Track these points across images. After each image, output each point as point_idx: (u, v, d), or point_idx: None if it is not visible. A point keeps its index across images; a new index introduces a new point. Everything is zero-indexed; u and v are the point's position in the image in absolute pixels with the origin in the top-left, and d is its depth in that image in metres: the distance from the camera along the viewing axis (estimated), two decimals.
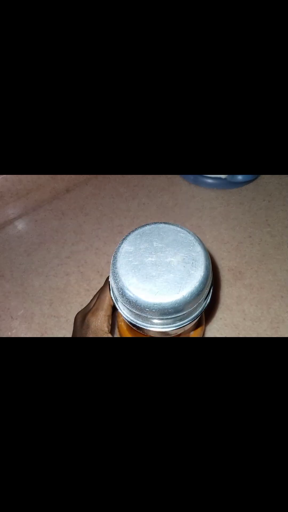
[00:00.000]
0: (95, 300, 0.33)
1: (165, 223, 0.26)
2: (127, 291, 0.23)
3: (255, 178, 0.55)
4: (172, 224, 0.26)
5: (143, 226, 0.26)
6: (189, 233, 0.25)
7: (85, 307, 0.35)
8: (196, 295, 0.23)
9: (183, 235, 0.25)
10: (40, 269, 0.49)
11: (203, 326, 0.36)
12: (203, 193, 0.55)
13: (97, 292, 0.33)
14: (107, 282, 0.31)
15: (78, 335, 0.32)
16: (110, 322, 0.31)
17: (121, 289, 0.24)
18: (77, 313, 0.34)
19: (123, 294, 0.24)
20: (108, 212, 0.54)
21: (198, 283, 0.23)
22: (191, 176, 0.55)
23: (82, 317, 0.33)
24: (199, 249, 0.25)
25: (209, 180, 0.54)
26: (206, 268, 0.24)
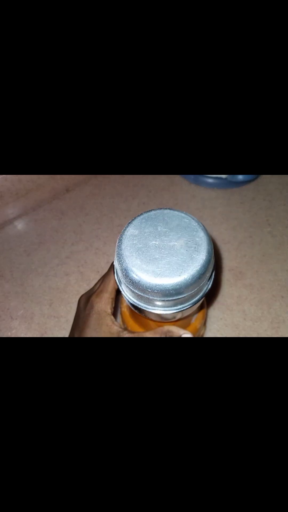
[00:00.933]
0: (99, 284, 0.34)
1: (170, 209, 0.27)
2: (130, 272, 0.24)
3: (256, 178, 0.55)
4: (177, 210, 0.26)
5: (148, 211, 0.27)
6: (193, 219, 0.26)
7: (89, 290, 0.36)
8: (197, 278, 0.24)
9: (187, 220, 0.26)
10: (40, 269, 0.49)
11: (205, 309, 0.37)
12: (203, 192, 0.55)
13: (102, 277, 0.34)
14: (111, 266, 0.32)
15: (82, 316, 0.33)
16: (113, 304, 0.32)
17: (125, 270, 0.24)
18: (81, 295, 0.35)
19: (126, 275, 0.24)
20: (108, 212, 0.54)
21: (199, 267, 0.24)
22: (192, 176, 0.55)
23: (86, 299, 0.34)
24: (202, 234, 0.25)
25: (210, 180, 0.54)
26: (208, 252, 0.25)
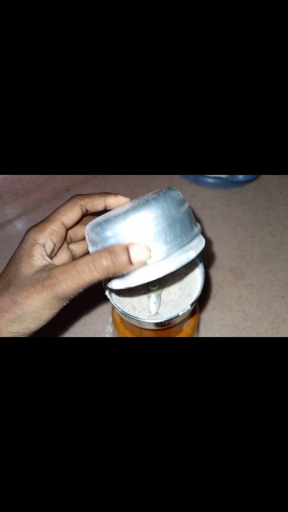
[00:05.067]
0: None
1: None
2: (107, 222, 0.23)
3: (256, 178, 0.55)
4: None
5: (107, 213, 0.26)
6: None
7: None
8: (178, 201, 0.23)
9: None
10: None
11: (198, 314, 0.37)
12: (203, 192, 0.55)
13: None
14: (72, 198, 0.26)
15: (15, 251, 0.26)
16: (54, 238, 0.25)
17: (102, 223, 0.23)
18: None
19: (104, 226, 0.23)
20: None
21: (176, 193, 0.24)
22: (192, 176, 0.55)
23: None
24: (165, 189, 0.24)
25: (210, 180, 0.54)
26: (177, 191, 0.24)
